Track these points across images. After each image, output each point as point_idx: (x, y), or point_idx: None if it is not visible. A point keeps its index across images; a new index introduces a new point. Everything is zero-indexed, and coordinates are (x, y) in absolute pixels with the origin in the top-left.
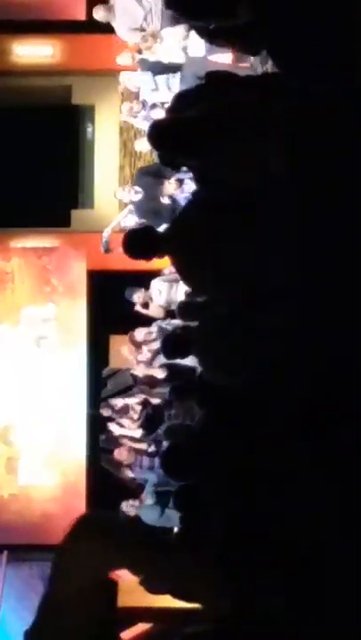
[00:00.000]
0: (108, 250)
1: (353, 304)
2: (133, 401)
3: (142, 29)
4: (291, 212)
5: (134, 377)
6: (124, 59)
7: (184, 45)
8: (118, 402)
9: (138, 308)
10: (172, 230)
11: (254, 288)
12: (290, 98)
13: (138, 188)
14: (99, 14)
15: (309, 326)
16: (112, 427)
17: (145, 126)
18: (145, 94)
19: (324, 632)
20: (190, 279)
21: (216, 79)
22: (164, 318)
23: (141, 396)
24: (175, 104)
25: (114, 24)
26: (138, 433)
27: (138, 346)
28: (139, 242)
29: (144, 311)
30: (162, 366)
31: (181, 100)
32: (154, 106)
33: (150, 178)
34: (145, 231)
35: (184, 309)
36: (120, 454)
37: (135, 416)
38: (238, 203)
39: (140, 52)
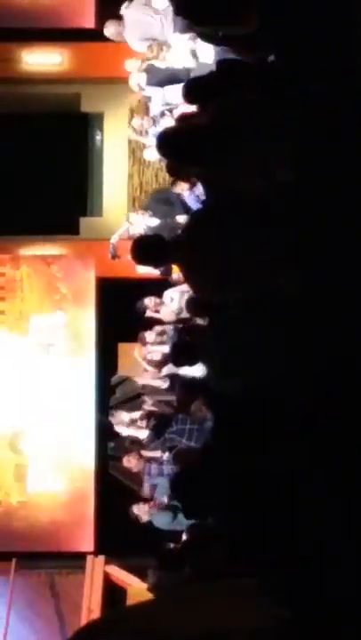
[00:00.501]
0: (115, 256)
1: (358, 309)
2: (139, 414)
3: (153, 39)
4: (298, 218)
5: (142, 385)
6: (131, 64)
7: (192, 49)
8: (125, 416)
9: (149, 312)
10: (180, 238)
11: (262, 295)
12: (294, 101)
13: (151, 213)
14: (110, 31)
15: (317, 331)
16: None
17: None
18: (155, 110)
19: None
20: (197, 286)
21: (227, 69)
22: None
23: (149, 405)
24: (187, 94)
25: (125, 36)
26: (145, 436)
27: (146, 346)
28: (146, 249)
29: (156, 315)
30: (166, 377)
31: (192, 90)
32: (163, 114)
33: (164, 206)
34: (153, 239)
35: (193, 304)
36: (129, 462)
37: (143, 424)
38: (245, 210)
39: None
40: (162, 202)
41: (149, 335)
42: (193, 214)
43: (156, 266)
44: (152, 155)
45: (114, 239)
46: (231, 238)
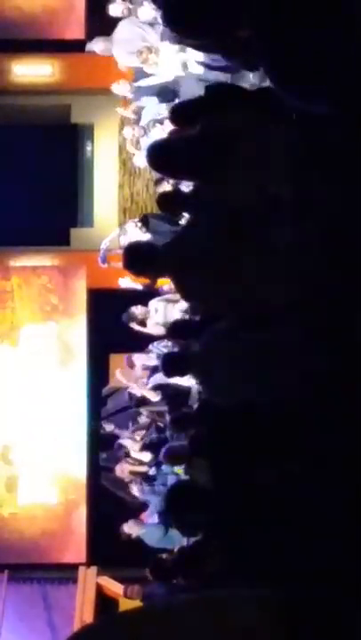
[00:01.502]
0: (105, 261)
1: (353, 326)
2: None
3: (141, 52)
4: (291, 232)
5: (131, 396)
6: (120, 87)
7: (183, 60)
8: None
9: (134, 325)
10: (172, 247)
11: (255, 307)
12: (289, 116)
13: (145, 230)
14: (99, 47)
15: (309, 345)
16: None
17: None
18: (146, 120)
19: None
20: (189, 297)
21: (215, 93)
22: (163, 338)
23: (144, 417)
24: (174, 118)
25: (114, 52)
26: (140, 455)
27: (133, 366)
28: (138, 257)
29: (141, 329)
30: (156, 387)
31: (179, 113)
32: (153, 124)
33: (160, 221)
34: (144, 246)
35: (175, 329)
36: (122, 471)
37: (138, 438)
38: (237, 223)
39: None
40: (156, 217)
41: (137, 358)
42: (185, 224)
43: (147, 274)
44: (142, 161)
45: (104, 244)
46: (223, 250)
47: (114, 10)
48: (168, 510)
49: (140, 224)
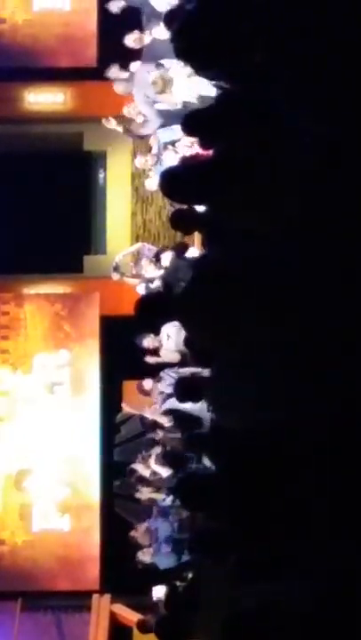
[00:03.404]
0: (118, 271)
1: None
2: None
3: (155, 82)
4: (304, 261)
5: (143, 422)
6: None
7: (194, 87)
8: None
9: (148, 358)
10: (184, 296)
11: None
12: (301, 141)
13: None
14: (119, 89)
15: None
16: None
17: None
18: (157, 147)
19: None
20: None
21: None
22: (176, 365)
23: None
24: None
25: (135, 96)
26: (160, 469)
27: (147, 395)
28: (150, 308)
29: (153, 360)
30: (167, 412)
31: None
32: (165, 147)
33: (174, 256)
34: (156, 297)
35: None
36: (143, 494)
37: (150, 463)
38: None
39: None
40: (174, 253)
41: (147, 383)
42: (196, 270)
43: (158, 325)
44: (154, 184)
45: (118, 258)
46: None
47: (129, 40)
48: (179, 496)
49: (154, 259)
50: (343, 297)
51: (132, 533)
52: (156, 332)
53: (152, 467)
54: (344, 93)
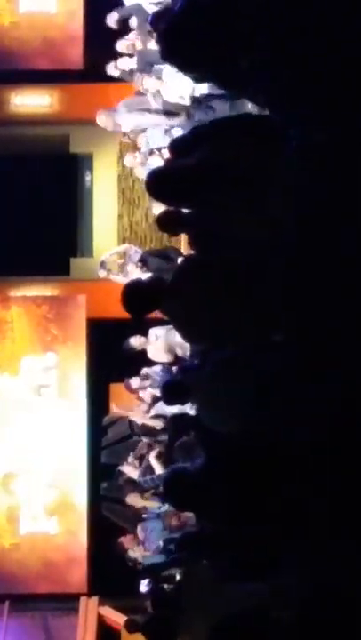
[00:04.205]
0: (104, 268)
1: (353, 354)
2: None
3: (144, 110)
4: (291, 264)
5: (131, 425)
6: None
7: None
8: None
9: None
10: (171, 286)
11: (255, 340)
12: (289, 144)
13: (145, 269)
14: (102, 121)
15: (307, 375)
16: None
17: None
18: (145, 147)
19: None
20: (186, 338)
21: (217, 125)
22: (164, 364)
23: (145, 446)
24: (174, 148)
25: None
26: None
27: (134, 393)
28: (136, 297)
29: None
30: (157, 416)
31: (179, 145)
32: (151, 152)
33: (159, 259)
34: (144, 285)
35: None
36: (133, 500)
37: (137, 465)
38: (236, 257)
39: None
40: (154, 255)
41: (134, 381)
42: (182, 265)
43: (145, 314)
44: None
45: (105, 256)
46: (223, 292)
47: (121, 46)
48: (165, 492)
49: (140, 263)
50: (343, 297)
51: (121, 539)
52: (144, 323)
53: (152, 463)
54: (344, 93)
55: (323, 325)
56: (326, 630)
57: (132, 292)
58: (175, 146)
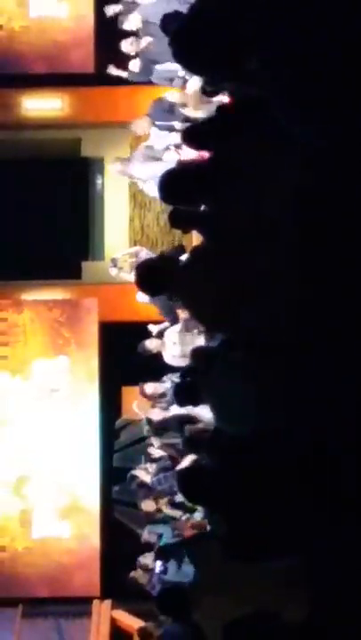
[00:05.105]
0: (116, 266)
1: (353, 354)
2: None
3: (157, 158)
4: (295, 261)
5: (150, 421)
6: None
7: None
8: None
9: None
10: (185, 267)
11: (260, 338)
12: (293, 144)
13: None
14: (116, 168)
15: (317, 375)
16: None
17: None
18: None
19: None
20: (197, 318)
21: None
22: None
23: (156, 448)
24: (187, 140)
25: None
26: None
27: (149, 399)
28: (150, 274)
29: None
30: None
31: (192, 135)
32: (167, 149)
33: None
34: (157, 263)
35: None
36: (147, 506)
37: (150, 469)
38: (242, 251)
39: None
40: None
41: (148, 387)
42: (195, 249)
43: (158, 292)
44: (152, 190)
45: (117, 255)
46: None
47: (125, 45)
48: (181, 488)
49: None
50: (343, 297)
51: (132, 574)
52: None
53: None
54: (344, 93)
55: (323, 325)
56: (336, 631)
57: (146, 271)
58: (190, 135)
